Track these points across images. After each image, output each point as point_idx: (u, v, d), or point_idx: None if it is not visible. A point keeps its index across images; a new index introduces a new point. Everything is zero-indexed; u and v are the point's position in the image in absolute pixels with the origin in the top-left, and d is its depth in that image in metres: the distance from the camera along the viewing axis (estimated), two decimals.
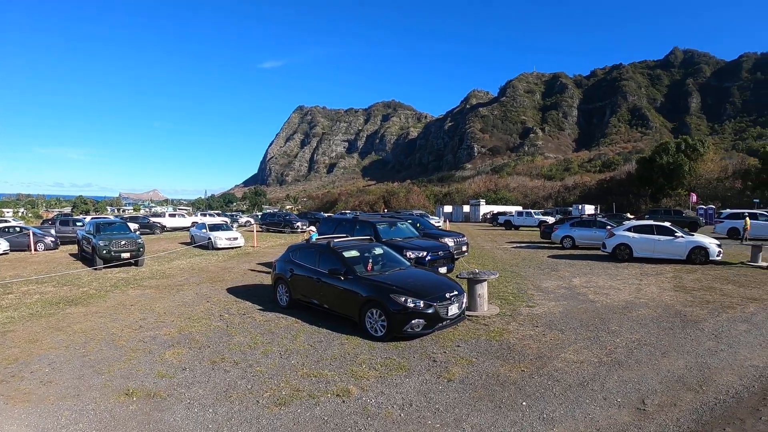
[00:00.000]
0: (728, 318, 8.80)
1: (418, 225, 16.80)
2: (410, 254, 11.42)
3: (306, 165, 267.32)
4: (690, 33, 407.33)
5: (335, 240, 9.49)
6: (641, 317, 8.86)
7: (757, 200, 45.69)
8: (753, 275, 13.50)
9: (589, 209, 50.60)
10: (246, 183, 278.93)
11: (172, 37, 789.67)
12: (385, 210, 62.96)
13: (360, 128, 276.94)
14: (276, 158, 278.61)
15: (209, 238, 22.82)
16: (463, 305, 7.82)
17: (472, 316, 8.60)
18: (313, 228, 17.20)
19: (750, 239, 21.84)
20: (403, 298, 7.05)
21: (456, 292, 7.63)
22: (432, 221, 27.97)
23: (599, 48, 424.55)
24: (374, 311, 7.25)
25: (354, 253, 8.67)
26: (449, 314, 7.36)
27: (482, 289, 8.89)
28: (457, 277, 9.65)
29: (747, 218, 22.88)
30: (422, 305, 7.06)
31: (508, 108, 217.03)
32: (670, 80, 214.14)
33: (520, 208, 50.25)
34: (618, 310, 9.34)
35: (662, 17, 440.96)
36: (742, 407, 5.18)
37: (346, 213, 44.71)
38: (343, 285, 7.84)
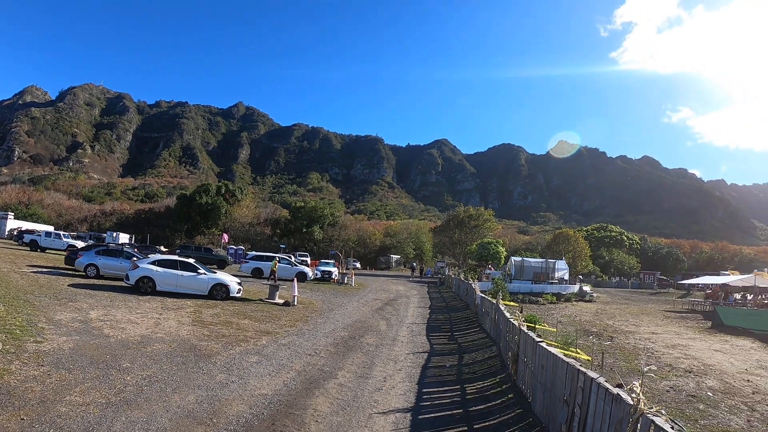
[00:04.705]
0: (241, 351, 9.75)
1: None
2: None
3: None
4: (256, 93, 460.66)
5: None
6: (156, 352, 8.80)
7: (284, 245, 55.84)
8: (269, 311, 15.27)
9: (125, 238, 49.67)
10: None
11: None
12: None
13: None
14: None
15: None
16: None
17: None
18: None
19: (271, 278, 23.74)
20: None
21: None
22: None
23: (170, 79, 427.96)
24: None
25: None
26: None
27: None
28: None
29: (276, 260, 25.15)
30: None
31: (62, 115, 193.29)
32: (227, 129, 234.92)
33: (51, 228, 45.30)
34: (132, 346, 9.06)
35: (234, 72, 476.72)
36: None
37: None
38: None
